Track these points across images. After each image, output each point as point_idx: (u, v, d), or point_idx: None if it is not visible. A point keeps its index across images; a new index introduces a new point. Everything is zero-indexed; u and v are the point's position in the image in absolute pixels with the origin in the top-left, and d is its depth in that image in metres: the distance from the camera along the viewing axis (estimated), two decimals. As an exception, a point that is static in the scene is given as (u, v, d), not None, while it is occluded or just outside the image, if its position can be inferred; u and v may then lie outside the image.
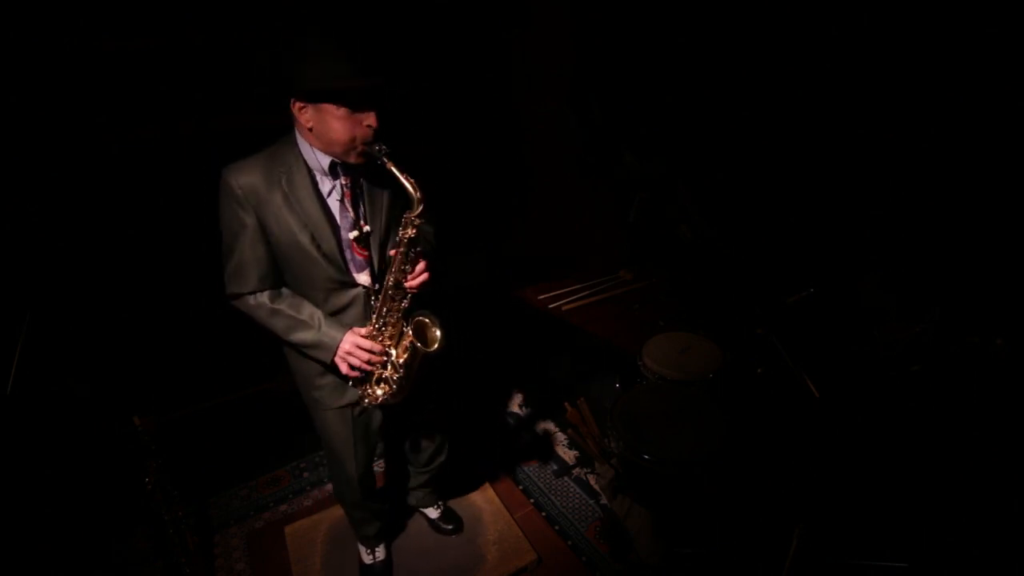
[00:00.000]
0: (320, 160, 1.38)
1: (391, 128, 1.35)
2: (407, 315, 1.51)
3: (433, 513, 2.25)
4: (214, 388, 2.90)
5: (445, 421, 2.02)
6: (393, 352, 1.53)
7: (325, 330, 1.46)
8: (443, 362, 1.75)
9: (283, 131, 1.41)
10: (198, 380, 2.82)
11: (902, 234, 2.47)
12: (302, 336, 1.46)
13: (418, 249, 1.43)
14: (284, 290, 1.50)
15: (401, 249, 1.41)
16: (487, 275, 3.56)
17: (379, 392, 1.57)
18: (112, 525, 2.26)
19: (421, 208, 1.35)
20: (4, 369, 1.66)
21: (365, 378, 1.57)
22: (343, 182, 1.41)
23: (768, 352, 1.99)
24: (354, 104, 1.28)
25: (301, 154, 1.38)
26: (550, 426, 2.80)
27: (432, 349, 1.50)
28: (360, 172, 1.42)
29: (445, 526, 2.22)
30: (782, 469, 2.12)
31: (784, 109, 2.91)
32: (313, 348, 1.48)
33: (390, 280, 1.45)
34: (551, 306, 3.12)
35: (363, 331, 1.50)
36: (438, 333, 1.51)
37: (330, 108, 1.27)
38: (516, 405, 2.95)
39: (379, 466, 2.54)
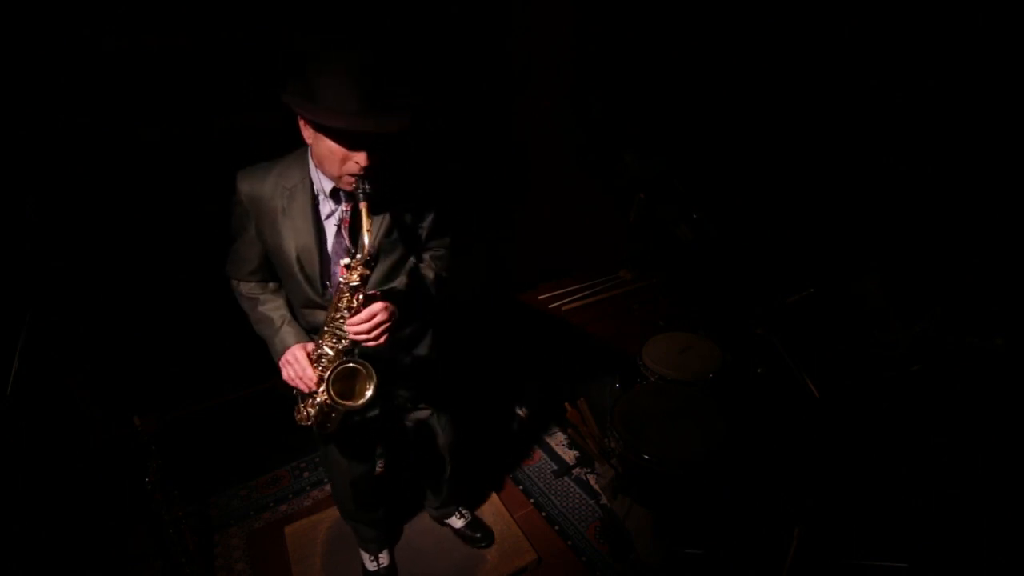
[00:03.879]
0: (324, 183, 1.37)
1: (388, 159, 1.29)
2: (348, 353, 1.41)
3: (458, 523, 2.20)
4: (214, 388, 2.90)
5: (449, 431, 1.95)
6: (322, 384, 1.40)
7: (282, 335, 1.48)
8: (447, 367, 1.72)
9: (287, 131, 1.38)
10: (198, 380, 2.82)
11: (902, 234, 2.47)
12: (263, 332, 1.52)
13: (367, 294, 1.34)
14: (271, 284, 1.54)
15: (343, 292, 1.32)
16: (487, 276, 3.56)
17: (309, 412, 1.50)
18: (112, 525, 2.26)
19: (365, 260, 1.27)
20: (4, 369, 1.66)
21: (309, 393, 1.48)
22: (344, 208, 1.40)
23: (768, 352, 1.99)
24: (348, 143, 1.23)
25: (309, 174, 1.38)
26: (550, 426, 2.80)
27: (345, 403, 1.35)
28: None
29: (473, 534, 2.17)
30: (782, 469, 2.13)
31: (785, 109, 2.90)
32: (269, 346, 1.51)
33: (327, 316, 1.38)
34: (551, 306, 3.12)
35: (311, 347, 1.46)
36: (368, 393, 1.36)
37: (323, 137, 1.25)
38: (516, 405, 2.95)
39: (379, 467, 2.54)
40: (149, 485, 1.85)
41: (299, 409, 1.54)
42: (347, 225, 1.40)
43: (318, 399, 1.44)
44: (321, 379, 1.41)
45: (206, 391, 2.88)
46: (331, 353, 1.41)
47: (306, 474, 2.57)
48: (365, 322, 1.32)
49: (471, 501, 2.33)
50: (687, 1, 3.17)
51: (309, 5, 2.45)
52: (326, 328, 1.39)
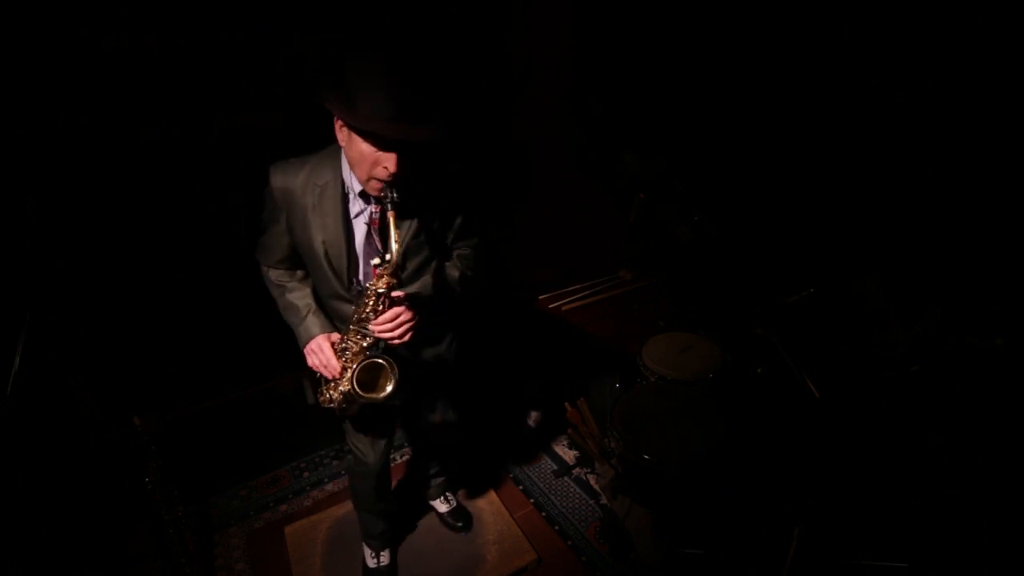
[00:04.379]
0: (354, 183, 1.40)
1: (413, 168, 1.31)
2: (371, 349, 1.49)
3: (442, 507, 2.27)
4: (214, 388, 2.90)
5: (456, 424, 2.03)
6: (348, 373, 1.49)
7: (307, 324, 1.55)
8: (464, 364, 1.75)
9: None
10: (198, 380, 2.82)
11: (902, 234, 2.47)
12: (289, 319, 1.58)
13: (392, 296, 1.39)
14: (299, 272, 1.60)
15: (370, 296, 1.39)
16: (487, 276, 3.55)
17: (333, 396, 1.56)
18: (112, 525, 2.26)
19: (392, 269, 1.34)
20: (4, 369, 1.66)
21: (332, 380, 1.56)
22: (373, 209, 1.43)
23: (768, 352, 1.99)
24: (380, 144, 1.27)
25: (341, 172, 1.41)
26: (550, 426, 2.80)
27: (367, 395, 1.44)
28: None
29: (455, 523, 2.23)
30: (782, 469, 2.13)
31: (784, 109, 2.91)
32: (295, 333, 1.57)
33: (355, 315, 1.44)
34: (551, 306, 3.12)
35: (336, 337, 1.53)
36: (388, 388, 1.45)
37: (357, 138, 1.29)
38: (516, 406, 2.95)
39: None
40: (149, 485, 1.86)
41: (322, 392, 1.60)
42: (376, 227, 1.45)
43: (341, 387, 1.52)
44: (345, 369, 1.49)
45: (206, 391, 2.88)
46: (356, 347, 1.48)
47: (306, 474, 2.57)
48: (390, 322, 1.40)
49: (470, 500, 2.34)
50: (687, 1, 3.17)
51: (309, 5, 2.45)
52: (352, 326, 1.46)
